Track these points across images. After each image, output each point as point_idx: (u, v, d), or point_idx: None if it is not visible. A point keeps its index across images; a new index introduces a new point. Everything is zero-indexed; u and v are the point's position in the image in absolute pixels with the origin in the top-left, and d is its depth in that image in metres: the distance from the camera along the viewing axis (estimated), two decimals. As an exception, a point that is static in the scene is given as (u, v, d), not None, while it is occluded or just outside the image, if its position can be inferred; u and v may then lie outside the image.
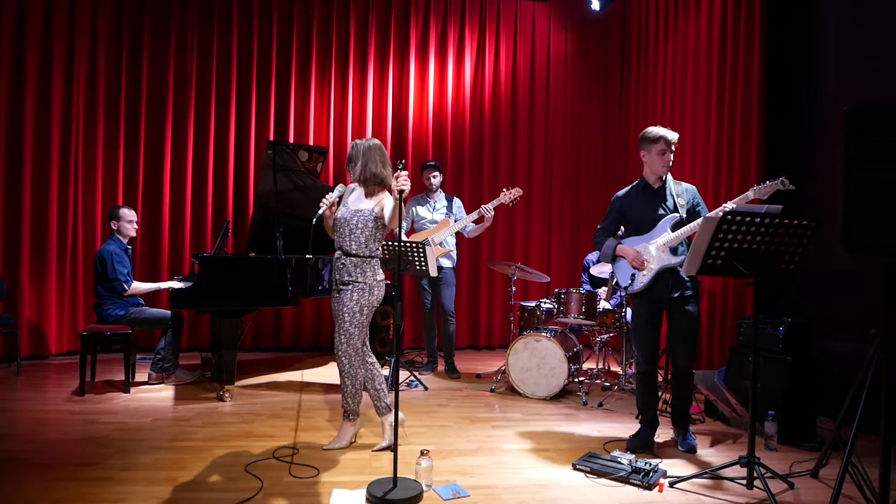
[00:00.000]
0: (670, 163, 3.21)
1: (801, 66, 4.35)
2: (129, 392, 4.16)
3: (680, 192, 3.23)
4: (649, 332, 3.26)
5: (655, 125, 3.26)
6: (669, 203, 3.21)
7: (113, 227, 4.39)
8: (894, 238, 2.28)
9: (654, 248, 3.19)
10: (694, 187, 3.28)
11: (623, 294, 4.75)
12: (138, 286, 4.37)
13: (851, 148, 2.33)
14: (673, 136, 3.20)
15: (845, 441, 2.50)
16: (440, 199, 4.99)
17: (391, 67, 6.17)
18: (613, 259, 3.34)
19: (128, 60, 5.57)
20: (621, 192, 3.41)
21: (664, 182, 3.26)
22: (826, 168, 4.01)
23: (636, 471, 2.79)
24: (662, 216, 3.20)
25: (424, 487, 2.62)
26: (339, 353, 3.10)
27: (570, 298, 4.44)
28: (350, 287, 3.09)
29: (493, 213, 4.69)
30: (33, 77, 5.20)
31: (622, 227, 3.51)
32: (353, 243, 3.10)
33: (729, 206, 3.00)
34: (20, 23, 5.15)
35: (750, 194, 3.04)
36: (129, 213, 4.46)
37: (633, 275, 3.26)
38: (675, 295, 3.16)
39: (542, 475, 2.88)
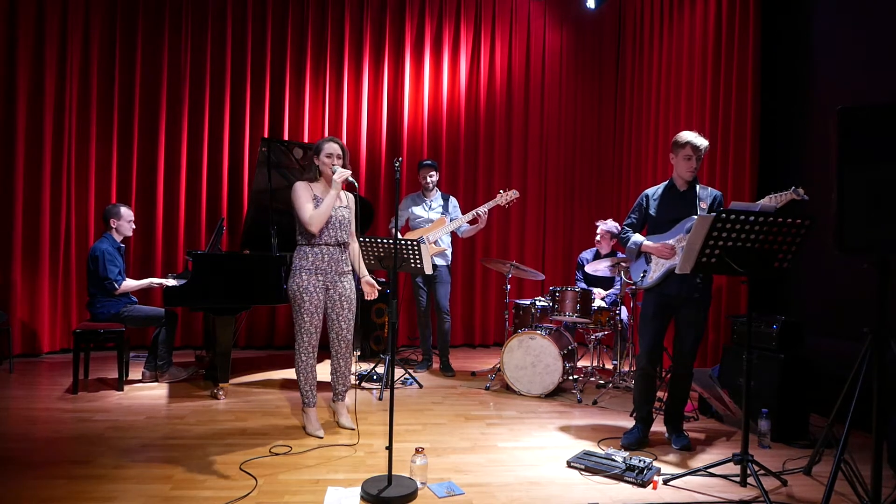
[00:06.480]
0: (694, 169, 3.22)
1: (795, 66, 4.36)
2: (122, 390, 4.15)
3: (704, 196, 3.23)
4: (654, 326, 3.27)
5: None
6: (694, 207, 3.21)
7: (112, 224, 4.37)
8: (887, 236, 2.29)
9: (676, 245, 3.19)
10: (719, 193, 3.27)
11: (617, 292, 4.76)
12: (129, 284, 4.34)
13: (844, 147, 2.34)
14: (701, 143, 3.19)
15: (838, 438, 2.51)
16: (436, 197, 4.98)
17: (386, 65, 6.15)
18: (637, 255, 3.35)
19: (121, 57, 5.53)
20: (650, 190, 3.41)
21: (691, 186, 3.26)
22: (820, 167, 4.03)
23: (630, 468, 2.80)
24: (682, 218, 3.19)
25: (419, 485, 2.62)
26: (351, 335, 3.41)
27: (564, 296, 4.45)
28: (348, 276, 3.38)
29: (487, 214, 4.68)
30: (25, 73, 5.15)
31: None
32: (344, 235, 3.35)
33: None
34: (11, 18, 5.10)
35: (765, 201, 2.96)
36: (129, 213, 4.46)
37: (645, 270, 3.28)
38: (686, 294, 3.17)
39: (536, 473, 2.89)
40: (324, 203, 3.22)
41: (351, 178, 3.23)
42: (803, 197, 2.89)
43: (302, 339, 3.28)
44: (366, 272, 3.50)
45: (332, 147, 3.27)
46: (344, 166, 3.29)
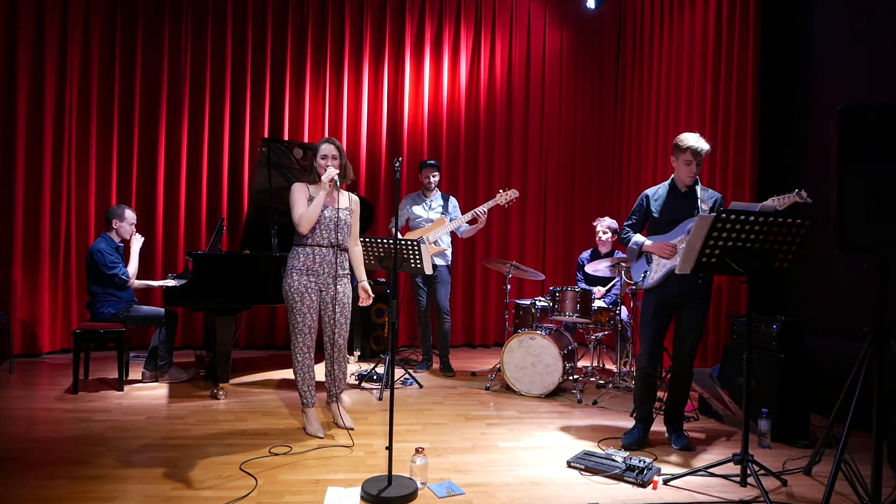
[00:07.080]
0: (695, 174, 3.21)
1: (795, 66, 4.36)
2: (122, 390, 4.15)
3: (705, 198, 3.23)
4: (655, 326, 3.27)
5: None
6: (695, 208, 3.20)
7: (114, 225, 4.36)
8: (887, 236, 2.29)
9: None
10: (720, 195, 3.27)
11: (618, 292, 4.76)
12: (135, 282, 4.37)
13: (844, 147, 2.33)
14: (702, 147, 3.17)
15: (838, 438, 2.51)
16: (436, 197, 4.98)
17: (386, 65, 6.16)
18: (639, 256, 3.35)
19: (121, 57, 5.53)
20: (650, 190, 3.40)
21: (692, 187, 3.25)
22: (820, 166, 4.02)
23: (630, 468, 2.80)
24: (684, 219, 3.19)
25: (419, 485, 2.62)
26: (344, 340, 3.37)
27: (564, 296, 4.45)
28: (346, 279, 3.35)
29: (486, 214, 4.68)
30: (25, 73, 5.15)
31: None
32: (342, 237, 3.30)
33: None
34: (11, 19, 5.10)
35: (768, 203, 2.95)
36: (132, 215, 4.46)
37: (646, 271, 3.28)
38: (686, 294, 3.17)
39: (536, 473, 2.89)
40: (313, 203, 3.20)
41: (335, 178, 3.19)
42: (806, 200, 2.87)
43: (297, 339, 3.28)
44: (364, 277, 3.47)
45: (326, 148, 3.27)
46: (341, 165, 3.28)
